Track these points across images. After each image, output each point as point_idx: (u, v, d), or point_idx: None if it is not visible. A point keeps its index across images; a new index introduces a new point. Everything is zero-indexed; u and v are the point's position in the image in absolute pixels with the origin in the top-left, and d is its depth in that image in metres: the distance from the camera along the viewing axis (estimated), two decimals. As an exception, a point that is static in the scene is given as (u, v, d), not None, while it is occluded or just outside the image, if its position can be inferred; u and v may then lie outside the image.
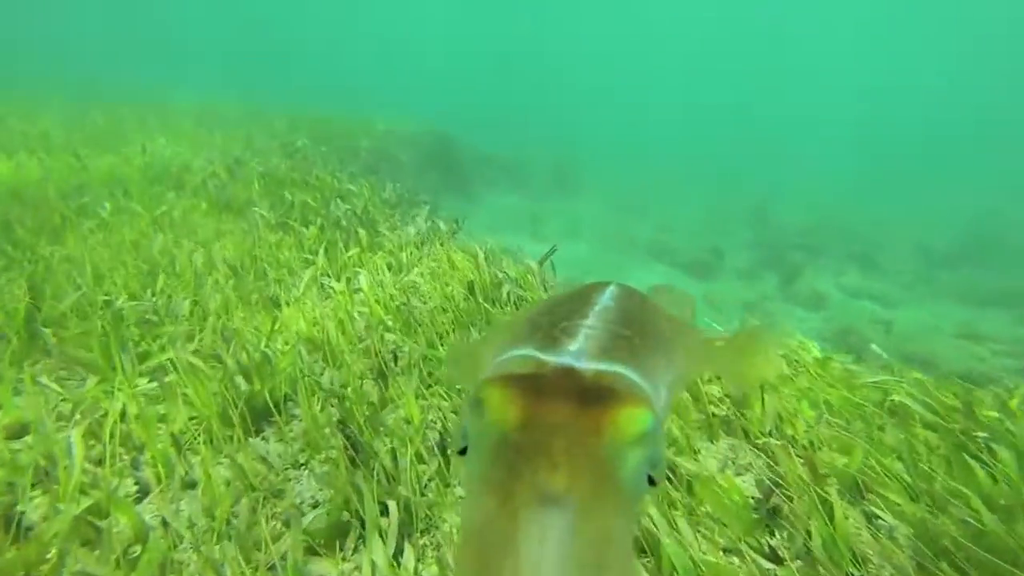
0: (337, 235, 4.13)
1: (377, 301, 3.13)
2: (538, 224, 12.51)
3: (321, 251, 3.76)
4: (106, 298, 3.07)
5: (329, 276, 3.49)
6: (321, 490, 1.91)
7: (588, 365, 0.58)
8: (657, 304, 0.84)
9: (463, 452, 0.60)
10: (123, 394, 2.25)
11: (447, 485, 1.93)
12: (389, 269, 3.66)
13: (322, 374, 2.50)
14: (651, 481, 0.57)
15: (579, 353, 0.60)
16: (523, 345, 0.64)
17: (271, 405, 2.25)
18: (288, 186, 5.23)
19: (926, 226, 14.02)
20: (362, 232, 4.12)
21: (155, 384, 2.44)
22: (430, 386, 2.46)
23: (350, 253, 3.71)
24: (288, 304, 3.18)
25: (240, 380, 2.32)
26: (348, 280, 3.44)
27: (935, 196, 17.87)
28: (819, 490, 1.80)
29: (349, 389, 2.31)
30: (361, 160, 8.79)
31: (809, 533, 1.70)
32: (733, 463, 2.16)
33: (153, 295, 3.23)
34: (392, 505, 1.78)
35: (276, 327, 2.84)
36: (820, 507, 1.75)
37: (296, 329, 2.87)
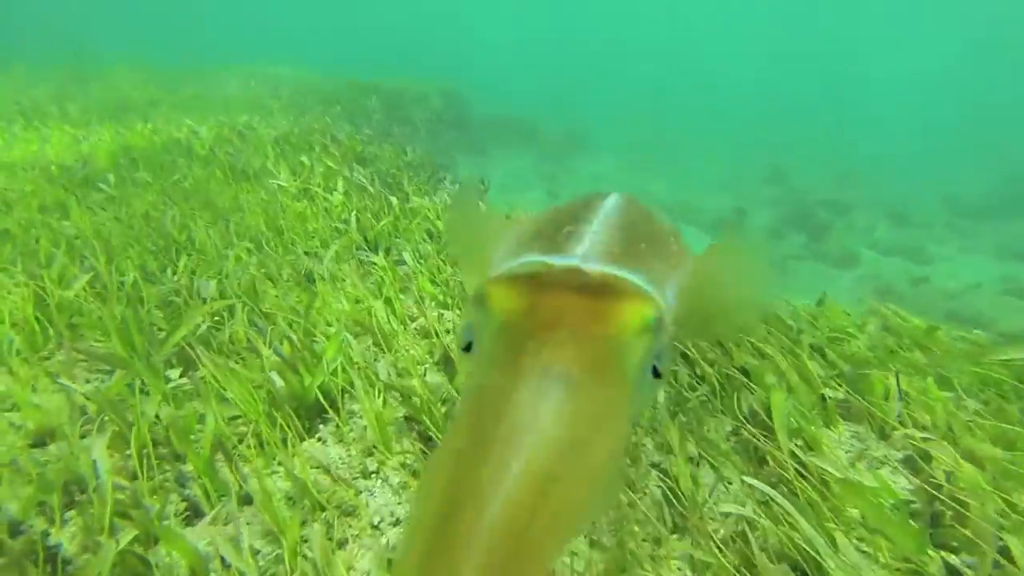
0: (366, 201, 3.78)
1: (425, 275, 2.80)
2: (555, 184, 12.07)
3: (352, 219, 3.42)
4: (121, 279, 2.76)
5: (366, 247, 3.15)
6: (400, 503, 1.63)
7: (594, 266, 0.60)
8: (660, 215, 0.86)
9: (467, 349, 0.63)
10: (154, 393, 1.95)
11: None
12: (430, 237, 3.33)
13: (376, 361, 2.20)
14: (656, 373, 0.60)
15: (585, 256, 0.61)
16: (528, 251, 0.65)
17: (323, 401, 1.95)
18: (305, 151, 4.84)
19: (955, 181, 13.50)
20: (393, 199, 3.77)
21: (186, 379, 2.15)
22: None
23: (383, 222, 3.37)
24: (323, 279, 2.86)
25: (284, 372, 2.02)
26: (387, 251, 3.11)
27: (964, 153, 17.20)
28: (1002, 495, 1.51)
29: (414, 380, 2.01)
30: (374, 122, 8.35)
31: (1002, 551, 1.41)
32: (864, 456, 1.87)
33: (173, 274, 2.92)
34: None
35: (315, 307, 2.52)
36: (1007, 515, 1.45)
37: (337, 309, 2.55)
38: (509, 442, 0.47)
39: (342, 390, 2.00)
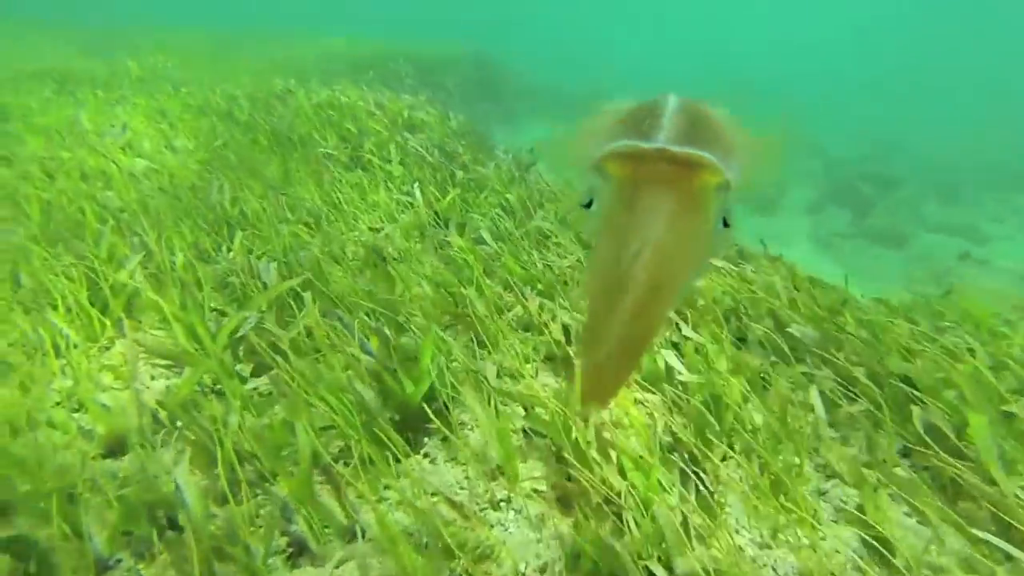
0: (426, 172, 3.46)
1: (509, 255, 2.50)
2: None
3: (416, 191, 3.11)
4: (173, 258, 2.49)
5: (437, 223, 2.85)
6: (540, 540, 1.36)
7: (676, 147, 0.78)
8: (713, 109, 0.96)
9: (588, 205, 0.89)
10: (231, 396, 1.69)
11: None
12: (504, 212, 3.02)
13: (480, 360, 1.92)
14: (725, 223, 0.87)
15: (668, 140, 0.79)
16: (625, 137, 0.82)
17: (427, 409, 1.68)
18: (348, 117, 4.51)
19: (1003, 148, 12.84)
20: (457, 171, 3.45)
21: (263, 380, 1.89)
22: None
23: (451, 195, 3.06)
24: (396, 260, 2.57)
25: (380, 375, 1.74)
26: (461, 228, 2.81)
27: (1007, 117, 16.38)
28: None
29: (526, 383, 1.73)
30: (407, 87, 7.97)
31: None
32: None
33: (229, 251, 2.64)
34: (660, 571, 1.23)
35: (399, 295, 2.24)
36: None
37: (419, 294, 2.27)
38: (638, 252, 0.77)
39: (450, 397, 1.72)
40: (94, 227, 2.48)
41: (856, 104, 20.21)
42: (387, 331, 1.91)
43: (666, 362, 1.90)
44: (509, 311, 2.30)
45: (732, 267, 2.90)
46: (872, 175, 11.69)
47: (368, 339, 1.92)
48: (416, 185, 3.14)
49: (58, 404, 1.70)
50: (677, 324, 2.21)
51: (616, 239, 0.81)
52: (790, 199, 11.11)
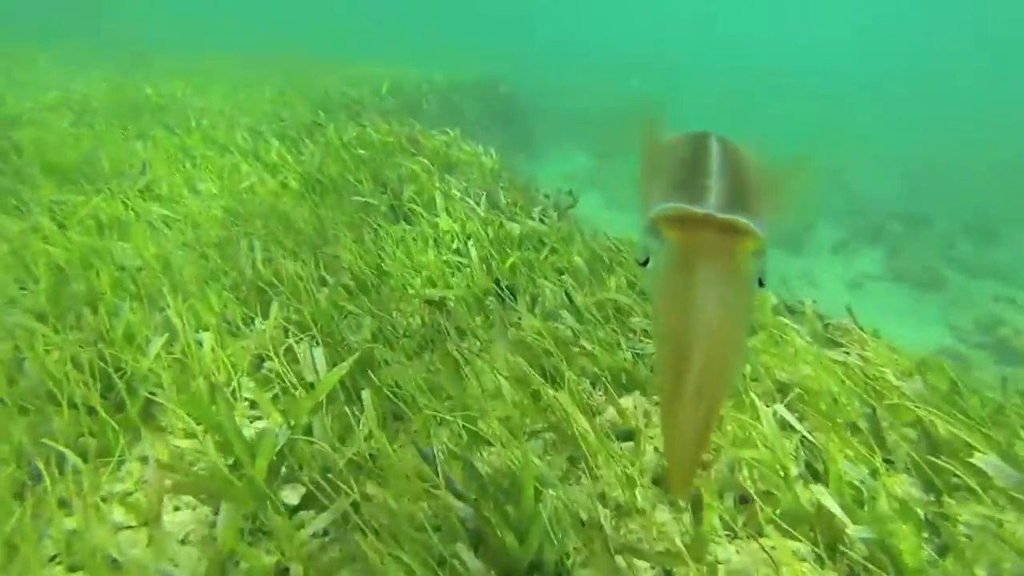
0: (476, 225, 3.12)
1: (595, 340, 2.14)
2: (608, 189, 11.35)
3: (472, 252, 2.77)
4: (199, 333, 2.13)
5: (500, 291, 2.50)
6: None
7: (722, 215, 0.87)
8: (747, 153, 1.11)
9: (645, 263, 0.97)
10: (283, 541, 1.32)
11: None
12: (573, 278, 2.66)
13: (580, 481, 1.54)
14: (760, 283, 0.92)
15: (715, 206, 0.88)
16: (676, 198, 0.92)
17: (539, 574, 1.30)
18: (382, 156, 4.19)
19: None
20: (508, 223, 3.11)
21: (318, 516, 1.51)
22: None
23: (513, 257, 2.71)
24: (460, 338, 2.21)
25: (482, 529, 1.36)
26: (533, 301, 2.46)
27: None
28: None
29: (643, 519, 1.35)
30: (428, 116, 7.70)
31: None
32: None
33: (263, 324, 2.28)
34: None
35: (467, 392, 1.87)
36: None
37: (494, 389, 1.90)
38: (695, 317, 0.84)
39: (564, 556, 1.35)
40: (110, 300, 2.12)
41: (874, 129, 20.04)
42: (465, 438, 1.55)
43: (819, 501, 1.53)
44: (600, 414, 1.93)
45: (819, 344, 2.55)
46: (899, 211, 11.39)
47: (437, 453, 1.55)
48: (470, 244, 2.80)
49: (54, 560, 1.32)
50: (792, 425, 1.86)
51: (673, 310, 0.88)
52: (816, 237, 10.79)
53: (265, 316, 2.35)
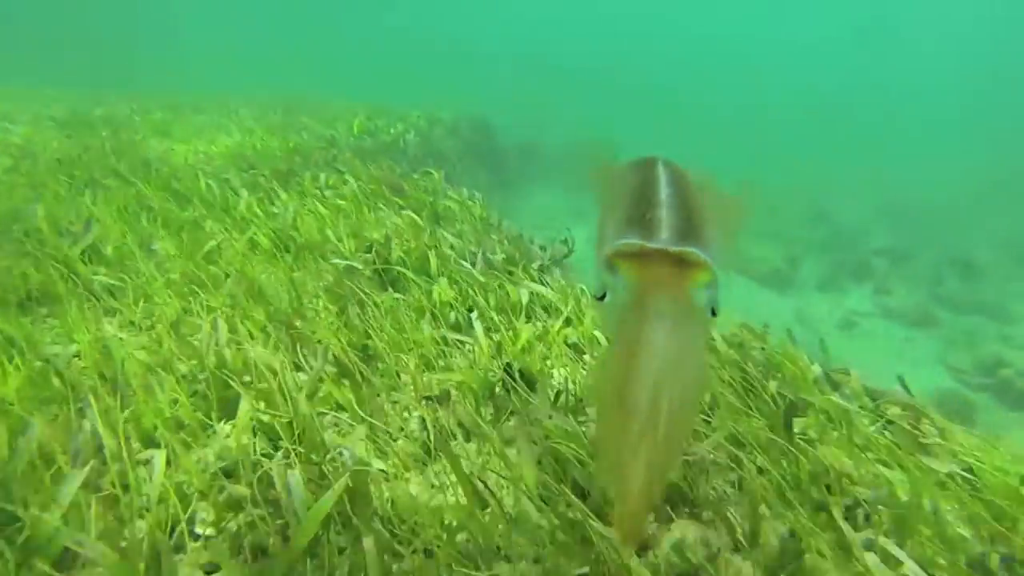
0: (475, 291, 2.74)
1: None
2: (589, 227, 11.10)
3: (476, 328, 2.38)
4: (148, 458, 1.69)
5: (513, 383, 2.10)
6: None
7: (674, 247, 0.89)
8: (693, 178, 1.15)
9: (602, 298, 0.99)
10: None
11: None
12: (582, 353, 2.28)
13: None
14: (713, 312, 0.94)
15: (667, 240, 0.90)
16: (630, 233, 0.93)
17: None
18: (365, 213, 3.80)
19: (1016, 225, 12.71)
20: (512, 288, 2.74)
21: None
22: None
23: (524, 337, 2.33)
24: (472, 442, 1.80)
25: None
26: (552, 395, 2.06)
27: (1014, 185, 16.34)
28: None
29: None
30: (411, 158, 7.37)
31: None
32: None
33: (226, 432, 1.85)
34: None
35: (493, 525, 1.46)
36: None
37: (529, 524, 1.50)
38: (646, 352, 0.85)
39: None
40: (17, 414, 1.66)
41: (850, 155, 20.43)
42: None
43: None
44: (653, 547, 1.54)
45: (880, 426, 2.21)
46: (883, 248, 11.38)
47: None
48: (475, 317, 2.41)
49: None
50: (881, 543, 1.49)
51: (629, 344, 0.88)
52: (803, 274, 10.67)
53: (230, 416, 1.93)
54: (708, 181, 1.19)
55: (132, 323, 2.33)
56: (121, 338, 2.19)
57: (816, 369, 2.58)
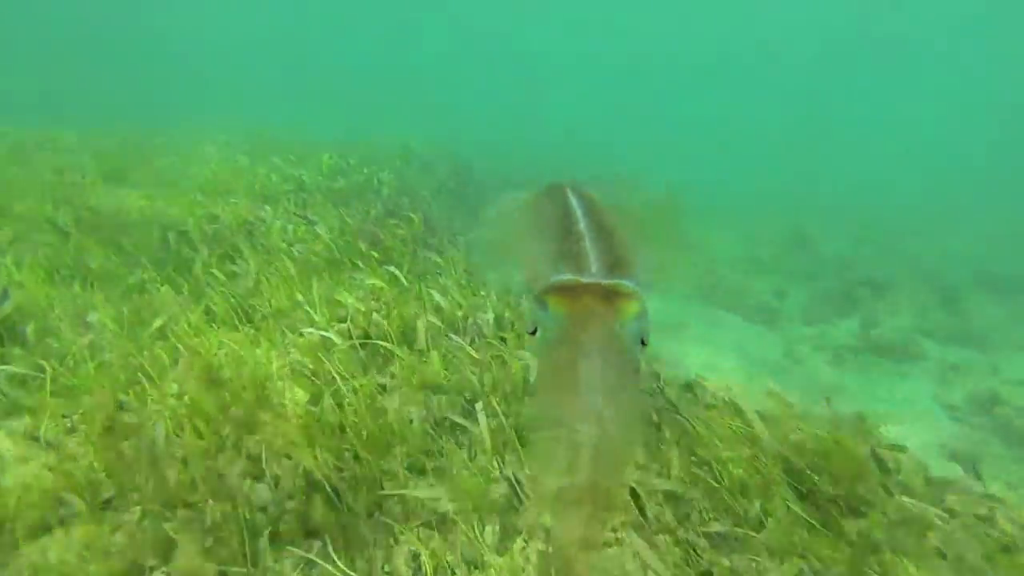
0: (463, 362, 2.36)
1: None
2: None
3: (481, 420, 2.00)
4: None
5: (515, 486, 1.72)
6: None
7: (605, 280, 0.92)
8: (602, 200, 1.15)
9: (533, 332, 0.96)
10: None
11: None
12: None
13: None
14: (643, 343, 0.93)
15: (598, 274, 0.93)
16: (561, 269, 0.95)
17: None
18: (342, 273, 3.41)
19: (992, 253, 12.80)
20: (512, 359, 2.37)
21: None
22: None
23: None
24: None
25: None
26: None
27: (991, 216, 16.55)
28: None
29: None
30: (385, 198, 7.01)
31: None
32: None
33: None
34: None
35: None
36: None
37: None
38: (578, 386, 0.81)
39: None
40: None
41: (827, 175, 20.69)
42: None
43: None
44: None
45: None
46: (866, 280, 11.33)
47: None
48: (480, 409, 2.02)
49: None
50: None
51: (561, 376, 0.85)
52: (788, 306, 10.52)
53: (165, 561, 1.50)
54: (619, 197, 1.18)
55: (49, 444, 1.87)
56: (35, 464, 1.74)
57: (862, 447, 2.26)
